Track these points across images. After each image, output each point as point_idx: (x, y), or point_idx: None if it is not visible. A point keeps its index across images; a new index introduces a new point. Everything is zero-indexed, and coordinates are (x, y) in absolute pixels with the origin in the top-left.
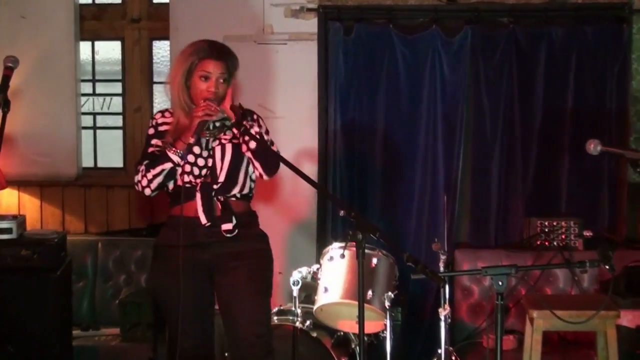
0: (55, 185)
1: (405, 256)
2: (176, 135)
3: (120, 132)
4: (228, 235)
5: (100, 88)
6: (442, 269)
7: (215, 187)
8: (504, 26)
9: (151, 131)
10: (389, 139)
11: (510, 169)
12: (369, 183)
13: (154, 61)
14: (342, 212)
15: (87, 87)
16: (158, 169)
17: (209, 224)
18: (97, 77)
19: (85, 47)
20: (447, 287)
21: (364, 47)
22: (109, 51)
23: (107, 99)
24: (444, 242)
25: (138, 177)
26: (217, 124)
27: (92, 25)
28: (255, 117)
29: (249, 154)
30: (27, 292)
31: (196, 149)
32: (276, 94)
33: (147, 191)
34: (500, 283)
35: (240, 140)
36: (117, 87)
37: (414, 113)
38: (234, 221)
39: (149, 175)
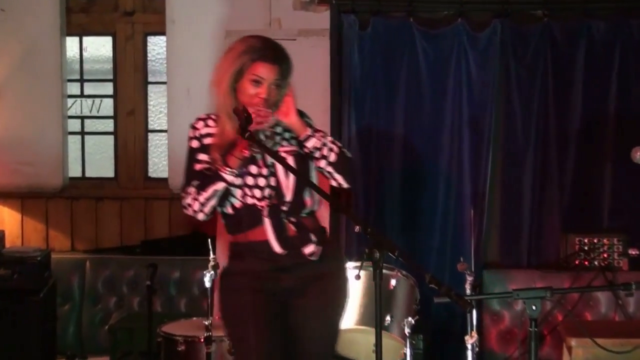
0: (38, 197)
1: (428, 277)
2: (224, 148)
3: (111, 137)
4: (312, 258)
5: (89, 89)
6: (468, 291)
7: (284, 208)
8: (538, 19)
9: (195, 144)
10: (409, 146)
11: (545, 179)
12: (387, 195)
13: (148, 59)
14: (357, 228)
15: (74, 88)
16: (210, 190)
17: (284, 251)
18: (85, 77)
19: (72, 43)
20: (474, 312)
21: (381, 43)
22: (99, 48)
23: (97, 101)
24: (470, 262)
25: (188, 201)
26: (276, 136)
27: (80, 18)
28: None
29: (329, 168)
30: (6, 317)
31: (253, 168)
32: None
33: (201, 216)
34: (534, 308)
35: (317, 155)
36: (108, 88)
37: (437, 117)
38: (313, 241)
39: (201, 199)
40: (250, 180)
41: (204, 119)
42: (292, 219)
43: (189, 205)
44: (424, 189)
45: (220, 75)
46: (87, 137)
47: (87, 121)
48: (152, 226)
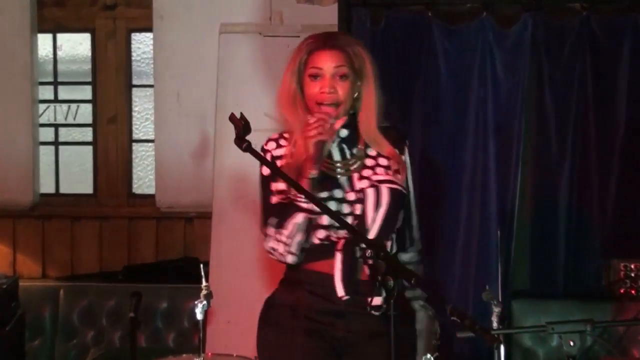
0: (4, 217)
1: (449, 308)
2: (295, 170)
3: (89, 148)
4: (375, 312)
5: (64, 93)
6: (495, 324)
7: (362, 246)
8: (576, 13)
9: (266, 172)
10: (427, 156)
11: (584, 197)
12: None
13: (132, 58)
14: (368, 252)
15: (47, 92)
16: (290, 226)
17: (347, 297)
18: (59, 79)
19: (44, 40)
20: (502, 348)
21: (395, 40)
22: (76, 46)
23: (73, 106)
24: (497, 290)
25: (271, 244)
26: (355, 151)
27: (54, 13)
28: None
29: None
30: None
31: (337, 192)
32: None
33: (290, 259)
34: (572, 344)
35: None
36: (86, 92)
37: (459, 125)
38: (384, 293)
39: (283, 238)
40: (332, 206)
41: (275, 139)
42: (369, 261)
43: (274, 249)
44: (444, 208)
45: (283, 85)
46: (61, 147)
47: (61, 129)
48: (136, 249)
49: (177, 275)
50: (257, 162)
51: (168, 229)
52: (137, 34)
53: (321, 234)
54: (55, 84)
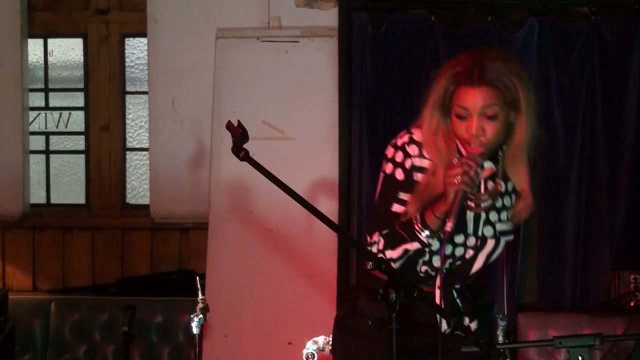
0: None
1: (453, 322)
2: (426, 199)
3: (81, 157)
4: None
5: (56, 100)
6: (500, 338)
7: (458, 286)
8: (584, 17)
9: (400, 175)
10: None
11: (593, 206)
12: None
13: (126, 64)
14: (369, 264)
15: (37, 99)
16: (400, 250)
17: (449, 330)
18: (50, 86)
19: (35, 45)
20: None
21: (398, 45)
22: (67, 51)
23: (65, 114)
24: (502, 303)
25: (373, 249)
26: (489, 186)
27: (45, 17)
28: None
29: None
30: None
31: (459, 238)
32: (285, 107)
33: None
34: (580, 358)
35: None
36: (78, 99)
37: None
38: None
39: (389, 254)
40: (447, 250)
41: (417, 143)
42: (459, 289)
43: (370, 259)
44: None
45: (423, 119)
46: (52, 156)
47: (52, 138)
48: (129, 261)
49: (172, 288)
50: (256, 172)
51: (163, 240)
52: (131, 39)
53: (423, 266)
54: (46, 90)
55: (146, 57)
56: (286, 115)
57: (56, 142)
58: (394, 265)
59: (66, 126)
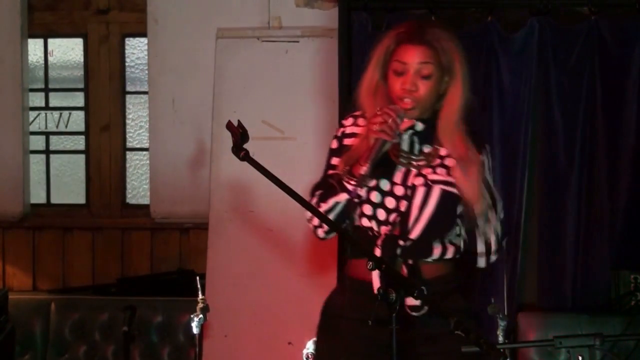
0: None
1: (453, 322)
2: (355, 156)
3: (82, 157)
4: (414, 313)
5: (56, 100)
6: (501, 339)
7: (402, 243)
8: (584, 17)
9: (334, 144)
10: None
11: (593, 206)
12: None
13: (126, 64)
14: (369, 264)
15: (37, 99)
16: (331, 202)
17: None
18: (51, 86)
19: (35, 45)
20: None
21: None
22: (67, 51)
23: (65, 114)
24: (503, 303)
25: (309, 214)
26: (425, 148)
27: (45, 17)
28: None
29: None
30: None
31: (385, 184)
32: (285, 106)
33: (320, 232)
34: (580, 358)
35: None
36: (78, 99)
37: None
38: (423, 294)
39: (322, 209)
40: (375, 197)
41: (355, 116)
42: (409, 261)
43: (310, 219)
44: None
45: (365, 74)
46: (52, 156)
47: (52, 138)
48: (130, 261)
49: (172, 288)
50: (256, 172)
51: (163, 240)
52: (131, 39)
53: (365, 222)
54: (47, 90)
55: (146, 57)
56: (286, 115)
57: (56, 142)
58: (330, 217)
59: (66, 126)
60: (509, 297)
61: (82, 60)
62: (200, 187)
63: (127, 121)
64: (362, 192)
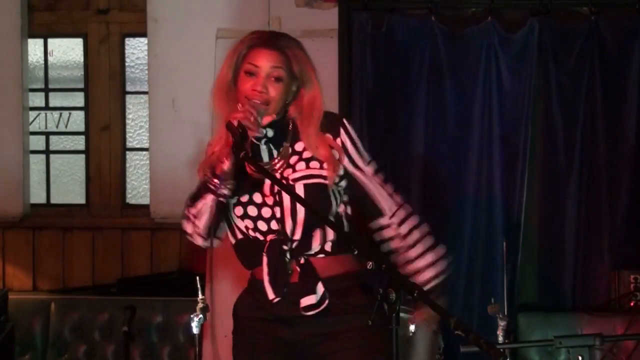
0: None
1: (453, 322)
2: (216, 160)
3: (81, 157)
4: (308, 313)
5: (56, 100)
6: (501, 338)
7: (286, 247)
8: (584, 17)
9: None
10: (430, 166)
11: (593, 207)
12: None
13: (126, 64)
14: (369, 264)
15: (37, 99)
16: (199, 205)
17: (277, 299)
18: (51, 86)
19: (35, 45)
20: None
21: (398, 45)
22: (67, 51)
23: (65, 114)
24: (503, 303)
25: (184, 223)
26: (281, 150)
27: (45, 17)
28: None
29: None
30: None
31: (257, 196)
32: None
33: (199, 240)
34: (580, 358)
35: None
36: (78, 99)
37: (463, 133)
38: (319, 291)
39: (191, 216)
40: (252, 211)
41: (210, 144)
42: (300, 260)
43: (184, 228)
44: (448, 218)
45: (219, 75)
46: (52, 156)
47: (52, 138)
48: (130, 261)
49: (172, 288)
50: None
51: (163, 240)
52: (131, 39)
53: (251, 234)
54: (46, 90)
55: (146, 57)
56: None
57: (56, 142)
58: (202, 220)
59: (66, 126)
60: (508, 297)
61: (82, 60)
62: None
63: (127, 121)
64: (226, 190)
